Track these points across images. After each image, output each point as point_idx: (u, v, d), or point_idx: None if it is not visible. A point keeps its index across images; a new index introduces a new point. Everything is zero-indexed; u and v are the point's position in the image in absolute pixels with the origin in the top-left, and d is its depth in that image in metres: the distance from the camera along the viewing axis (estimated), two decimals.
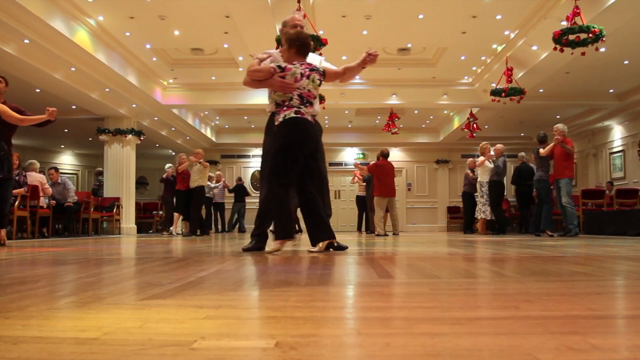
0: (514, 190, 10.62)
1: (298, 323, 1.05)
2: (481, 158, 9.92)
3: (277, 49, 6.90)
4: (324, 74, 3.63)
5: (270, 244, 3.84)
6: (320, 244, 3.63)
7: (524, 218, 10.37)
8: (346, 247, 3.93)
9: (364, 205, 11.58)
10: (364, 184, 11.16)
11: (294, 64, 3.54)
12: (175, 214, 10.19)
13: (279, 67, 3.51)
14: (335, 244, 3.77)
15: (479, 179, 9.99)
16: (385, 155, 9.58)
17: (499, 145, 9.99)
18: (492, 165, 9.76)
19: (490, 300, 1.43)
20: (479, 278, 2.00)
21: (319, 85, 3.61)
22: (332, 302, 1.39)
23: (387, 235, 9.08)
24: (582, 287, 1.67)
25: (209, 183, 12.24)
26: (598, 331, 0.99)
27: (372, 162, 9.91)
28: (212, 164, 17.03)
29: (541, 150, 8.39)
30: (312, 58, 3.88)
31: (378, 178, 9.43)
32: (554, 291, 1.58)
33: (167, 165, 11.24)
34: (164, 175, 10.83)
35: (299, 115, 3.47)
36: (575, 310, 1.21)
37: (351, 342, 0.91)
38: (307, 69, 3.54)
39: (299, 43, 3.59)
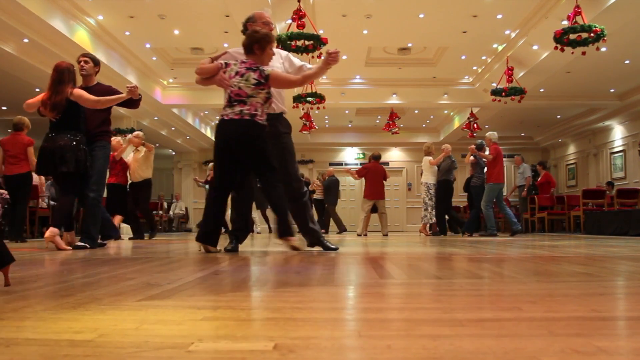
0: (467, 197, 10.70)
1: (297, 325, 1.04)
2: (430, 157, 9.40)
3: (277, 47, 6.93)
4: (267, 78, 3.46)
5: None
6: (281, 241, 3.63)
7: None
8: (335, 248, 3.79)
9: (321, 208, 12.12)
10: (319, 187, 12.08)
11: (235, 62, 3.53)
12: (117, 217, 7.42)
13: (225, 63, 3.53)
14: (294, 246, 3.64)
15: (424, 181, 9.45)
16: (375, 157, 9.58)
17: (447, 145, 9.56)
18: (435, 168, 9.37)
19: (492, 302, 1.41)
20: (480, 278, 1.98)
21: (258, 86, 3.44)
22: (332, 303, 1.37)
23: (366, 235, 9.09)
24: (585, 288, 1.65)
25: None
26: (603, 333, 0.97)
27: (361, 166, 10.05)
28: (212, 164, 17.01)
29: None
30: (278, 54, 3.86)
31: (367, 180, 9.43)
32: (556, 292, 1.57)
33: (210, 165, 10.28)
34: (207, 178, 9.94)
35: (223, 118, 3.46)
36: (579, 311, 1.19)
37: (351, 344, 0.89)
38: (244, 67, 3.48)
39: (244, 42, 3.57)
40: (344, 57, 10.31)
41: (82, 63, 4.65)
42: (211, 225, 3.58)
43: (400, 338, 0.92)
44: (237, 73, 3.47)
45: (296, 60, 3.95)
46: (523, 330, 0.98)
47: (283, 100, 3.93)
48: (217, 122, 3.54)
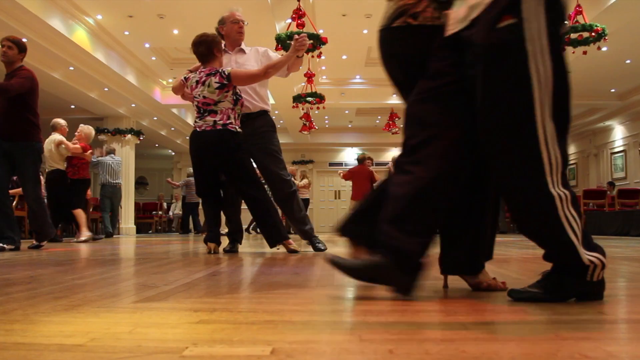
0: None
1: (296, 328, 1.01)
2: None
3: (277, 49, 6.89)
4: (229, 77, 3.33)
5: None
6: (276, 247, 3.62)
7: None
8: (324, 249, 3.69)
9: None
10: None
11: (193, 73, 3.50)
12: (83, 215, 7.02)
13: (185, 78, 3.53)
14: (291, 247, 3.57)
15: None
16: (359, 160, 9.88)
17: None
18: None
19: (496, 304, 1.38)
20: None
21: (222, 88, 3.32)
22: (332, 305, 1.34)
23: None
24: None
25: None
26: (613, 337, 0.94)
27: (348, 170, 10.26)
28: None
29: None
30: (253, 52, 3.78)
31: (353, 183, 9.71)
32: None
33: None
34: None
35: (195, 129, 3.42)
36: (586, 314, 1.16)
37: (352, 348, 0.86)
38: (204, 75, 3.37)
39: (194, 50, 3.47)
40: (344, 57, 10.29)
41: (4, 48, 4.17)
42: (215, 226, 3.65)
43: (402, 342, 0.89)
44: (197, 82, 3.39)
45: (273, 54, 3.83)
46: (529, 333, 0.95)
47: (263, 98, 3.79)
48: (191, 133, 3.49)
